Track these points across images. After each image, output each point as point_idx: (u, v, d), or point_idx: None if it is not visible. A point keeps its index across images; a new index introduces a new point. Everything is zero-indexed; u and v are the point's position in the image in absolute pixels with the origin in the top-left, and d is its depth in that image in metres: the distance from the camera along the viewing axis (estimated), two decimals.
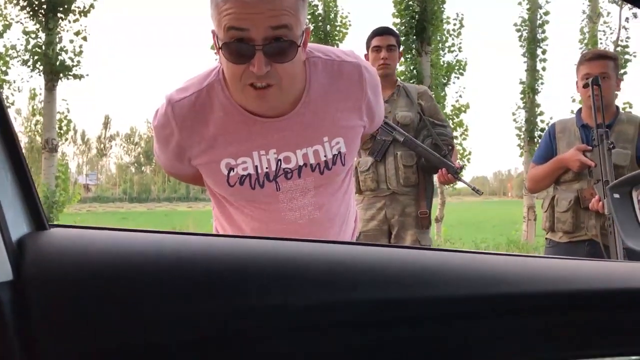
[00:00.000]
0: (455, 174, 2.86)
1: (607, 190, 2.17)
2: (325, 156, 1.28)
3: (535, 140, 11.69)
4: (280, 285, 0.59)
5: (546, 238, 2.80)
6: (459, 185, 2.99)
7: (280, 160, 1.26)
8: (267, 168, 1.26)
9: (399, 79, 3.09)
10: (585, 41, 11.59)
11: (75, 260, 0.56)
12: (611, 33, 11.23)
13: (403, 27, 10.07)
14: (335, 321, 0.59)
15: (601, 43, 11.14)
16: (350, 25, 11.63)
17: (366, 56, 3.04)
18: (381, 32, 3.01)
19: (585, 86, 2.53)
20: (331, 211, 1.35)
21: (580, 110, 2.74)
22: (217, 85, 1.23)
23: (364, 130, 1.37)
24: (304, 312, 0.58)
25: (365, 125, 1.36)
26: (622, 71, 11.16)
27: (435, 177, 3.00)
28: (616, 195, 0.82)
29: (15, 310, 0.52)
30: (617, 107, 2.69)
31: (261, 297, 0.58)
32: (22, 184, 0.60)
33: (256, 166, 1.26)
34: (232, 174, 1.26)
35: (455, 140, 3.08)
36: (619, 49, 10.76)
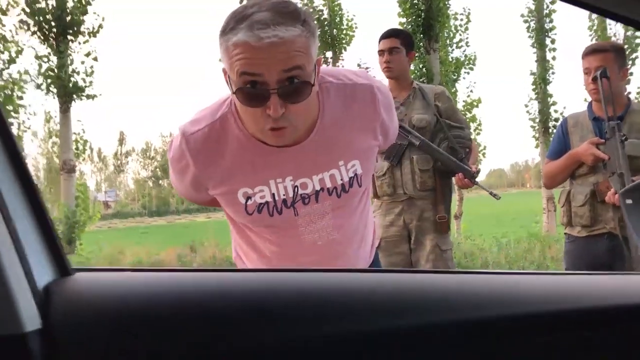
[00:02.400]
0: (471, 178, 2.83)
1: (620, 196, 2.16)
2: (341, 179, 1.29)
3: (550, 130, 11.58)
4: (301, 317, 0.60)
5: (565, 233, 2.78)
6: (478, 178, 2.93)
7: (297, 186, 1.27)
8: (284, 195, 1.27)
9: (415, 81, 3.05)
10: (595, 27, 11.47)
11: (100, 305, 0.58)
12: None
13: (409, 26, 10.04)
14: (356, 351, 0.60)
15: (610, 29, 11.01)
16: (356, 28, 11.64)
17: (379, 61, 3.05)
18: (384, 35, 3.00)
19: (594, 80, 2.51)
20: (350, 230, 1.36)
21: (591, 103, 2.72)
22: (230, 117, 1.24)
23: (379, 148, 1.38)
24: (325, 343, 0.60)
25: (379, 144, 1.36)
26: (633, 55, 11.00)
27: (454, 180, 2.97)
28: (629, 201, 0.82)
29: (45, 358, 0.54)
30: (629, 98, 2.67)
31: (285, 330, 0.59)
32: (44, 231, 0.62)
33: (273, 194, 1.27)
34: (249, 202, 1.28)
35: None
36: (629, 33, 10.62)
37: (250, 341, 0.58)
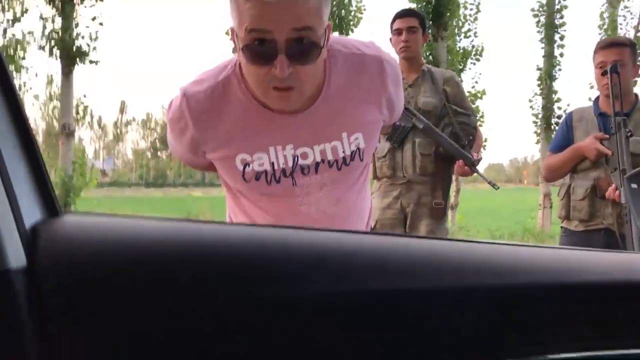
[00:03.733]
0: (471, 165, 2.81)
1: (625, 180, 2.14)
2: (343, 152, 1.26)
3: (552, 127, 11.57)
4: (294, 274, 0.59)
5: (562, 227, 2.78)
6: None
7: (297, 156, 1.25)
8: (283, 164, 1.25)
9: (425, 63, 3.01)
10: (605, 26, 11.40)
11: (88, 248, 0.57)
12: (632, 18, 11.04)
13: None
14: (348, 310, 0.59)
15: (621, 29, 10.95)
16: (365, 9, 11.53)
17: (390, 40, 2.99)
18: (402, 14, 2.95)
19: (604, 74, 2.49)
20: (347, 205, 1.34)
21: (597, 98, 2.70)
22: (234, 80, 1.21)
23: (384, 123, 1.35)
24: (316, 302, 0.59)
25: (385, 119, 1.33)
26: None
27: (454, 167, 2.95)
28: (634, 185, 0.81)
29: (29, 296, 0.53)
30: (636, 95, 2.65)
31: (275, 286, 0.58)
32: (35, 170, 0.60)
33: (272, 162, 1.24)
34: (247, 169, 1.25)
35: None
36: (639, 34, 10.56)
37: (244, 294, 0.57)
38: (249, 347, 0.58)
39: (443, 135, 2.79)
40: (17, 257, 0.54)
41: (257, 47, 1.07)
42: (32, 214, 0.58)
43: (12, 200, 0.56)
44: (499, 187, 3.04)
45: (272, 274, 0.59)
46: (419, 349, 0.61)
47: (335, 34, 1.28)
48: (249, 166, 1.25)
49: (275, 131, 1.23)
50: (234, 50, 1.21)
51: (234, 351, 0.57)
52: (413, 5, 10.10)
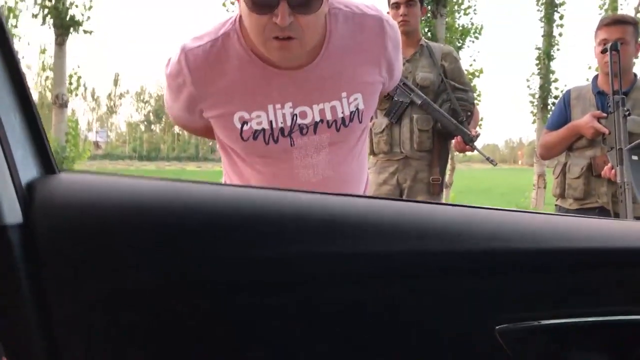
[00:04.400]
0: (469, 142, 2.80)
1: (626, 151, 2.14)
2: (342, 112, 1.26)
3: (549, 107, 11.55)
4: (288, 235, 0.59)
5: (556, 204, 2.79)
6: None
7: (296, 114, 1.24)
8: (282, 123, 1.24)
9: (423, 38, 2.98)
10: (605, 7, 11.33)
11: (84, 205, 0.56)
12: None
13: None
14: (341, 273, 0.59)
15: (621, 9, 10.88)
16: None
17: (388, 14, 2.95)
18: None
19: (604, 52, 2.47)
20: (345, 170, 1.33)
21: (596, 77, 2.68)
22: (233, 35, 1.20)
23: (383, 87, 1.34)
24: (308, 263, 0.58)
25: (384, 82, 1.33)
26: None
27: (452, 143, 2.95)
28: (634, 157, 0.81)
29: (25, 252, 0.52)
30: (635, 75, 2.64)
31: (268, 245, 0.58)
32: (31, 127, 0.59)
33: (271, 121, 1.23)
34: (245, 128, 1.24)
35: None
36: (639, 15, 10.50)
37: (234, 253, 0.57)
38: (241, 306, 0.58)
39: (441, 111, 2.78)
40: (13, 213, 0.53)
41: None
42: (28, 170, 0.58)
43: (8, 156, 0.55)
44: (497, 164, 3.04)
45: (265, 234, 0.59)
46: (409, 312, 0.62)
47: None
48: (247, 124, 1.24)
49: (274, 89, 1.22)
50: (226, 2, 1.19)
51: (226, 309, 0.57)
52: None
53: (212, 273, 0.57)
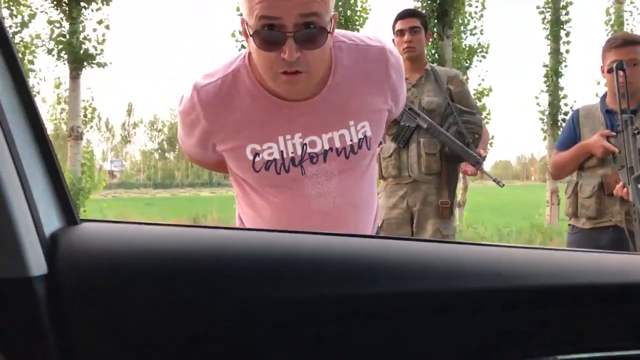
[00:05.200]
0: (476, 164, 2.81)
1: (632, 180, 2.13)
2: (351, 140, 1.29)
3: (559, 124, 11.49)
4: (298, 277, 0.60)
5: (569, 224, 2.77)
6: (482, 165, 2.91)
7: (305, 144, 1.28)
8: (292, 153, 1.27)
9: (428, 62, 3.01)
10: (611, 22, 11.32)
11: (106, 255, 0.58)
12: (638, 14, 10.95)
13: (424, 11, 9.93)
14: (353, 313, 0.61)
15: (627, 24, 10.87)
16: (370, 9, 11.50)
17: (393, 41, 2.99)
18: (403, 15, 2.95)
19: (609, 71, 2.48)
20: (355, 197, 1.36)
21: (605, 95, 2.69)
22: (243, 71, 1.25)
23: (389, 114, 1.38)
24: (321, 305, 0.60)
25: (390, 109, 1.36)
26: None
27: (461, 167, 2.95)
28: None
29: (50, 302, 0.54)
30: None
31: (284, 289, 0.60)
32: (53, 179, 0.62)
33: (282, 151, 1.27)
34: (257, 159, 1.28)
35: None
36: None
37: (252, 297, 0.59)
38: (254, 349, 0.59)
39: (447, 134, 2.79)
40: (38, 265, 0.56)
41: (267, 32, 1.11)
42: (51, 222, 0.60)
43: (32, 208, 0.58)
44: (504, 185, 3.04)
45: (278, 277, 0.60)
46: (425, 352, 0.62)
47: (339, 30, 1.31)
48: (258, 156, 1.27)
49: (283, 120, 1.26)
50: (237, 33, 1.24)
51: (241, 352, 0.59)
52: (418, 4, 10.07)
53: (234, 317, 0.58)
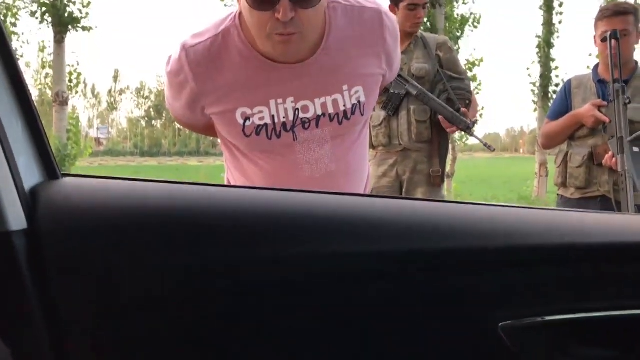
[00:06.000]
0: (467, 129, 2.80)
1: (627, 143, 2.14)
2: (344, 106, 1.26)
3: (550, 95, 11.51)
4: (290, 236, 0.59)
5: (558, 194, 2.79)
6: (471, 141, 2.92)
7: (298, 109, 1.24)
8: (284, 118, 1.24)
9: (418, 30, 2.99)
10: None
11: (87, 210, 0.56)
12: None
13: None
14: (343, 271, 0.60)
15: None
16: None
17: (391, 8, 2.92)
18: None
19: (604, 40, 2.46)
20: (348, 164, 1.34)
21: (597, 65, 2.68)
22: (234, 31, 1.21)
23: (383, 79, 1.35)
24: (311, 263, 0.59)
25: (384, 74, 1.33)
26: None
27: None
28: (635, 149, 0.81)
29: (30, 257, 0.53)
30: (636, 62, 2.63)
31: (269, 246, 0.58)
32: (34, 133, 0.60)
33: (273, 116, 1.24)
34: (248, 123, 1.24)
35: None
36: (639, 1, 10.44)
37: (237, 255, 0.57)
38: (244, 305, 0.58)
39: (438, 101, 2.78)
40: (17, 219, 0.54)
41: None
42: (31, 176, 0.58)
43: (10, 162, 0.56)
44: (494, 149, 3.05)
45: (267, 235, 0.59)
46: (413, 310, 0.62)
47: None
48: (249, 120, 1.24)
49: (275, 83, 1.22)
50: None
51: (230, 309, 0.58)
52: None
53: (215, 274, 0.57)
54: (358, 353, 0.60)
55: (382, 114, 2.86)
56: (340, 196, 0.67)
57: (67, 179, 0.60)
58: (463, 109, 2.76)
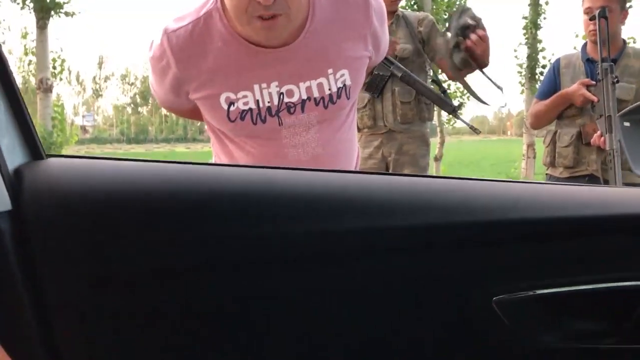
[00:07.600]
0: (452, 112, 2.81)
1: (617, 118, 2.14)
2: (329, 89, 1.24)
3: (537, 77, 11.54)
4: (278, 213, 0.58)
5: (546, 174, 2.81)
6: (458, 124, 2.94)
7: (282, 93, 1.23)
8: (269, 102, 1.22)
9: (399, 8, 2.97)
10: None
11: (72, 189, 0.55)
12: None
13: None
14: (337, 249, 0.59)
15: None
16: None
17: None
18: None
19: (592, 19, 2.46)
20: (335, 148, 1.32)
21: (585, 44, 2.68)
22: (215, 14, 1.18)
23: (370, 61, 1.33)
24: (305, 240, 0.58)
25: (371, 56, 1.31)
26: (628, 4, 10.82)
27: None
28: (626, 124, 0.81)
29: (15, 239, 0.52)
30: (624, 41, 2.64)
31: (260, 224, 0.58)
32: (17, 113, 0.58)
33: (257, 100, 1.22)
34: (232, 108, 1.23)
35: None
36: None
37: (226, 232, 0.56)
38: (234, 283, 0.58)
39: (422, 82, 2.78)
40: (1, 201, 0.52)
41: None
42: (15, 157, 0.57)
43: None
44: (480, 132, 3.06)
45: (254, 213, 0.58)
46: (407, 287, 0.62)
47: None
48: (233, 105, 1.22)
49: (259, 68, 1.20)
50: None
51: (220, 289, 0.57)
52: None
53: (200, 253, 0.57)
54: (350, 327, 0.59)
55: (366, 95, 2.86)
56: (331, 173, 0.66)
57: (52, 160, 0.59)
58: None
